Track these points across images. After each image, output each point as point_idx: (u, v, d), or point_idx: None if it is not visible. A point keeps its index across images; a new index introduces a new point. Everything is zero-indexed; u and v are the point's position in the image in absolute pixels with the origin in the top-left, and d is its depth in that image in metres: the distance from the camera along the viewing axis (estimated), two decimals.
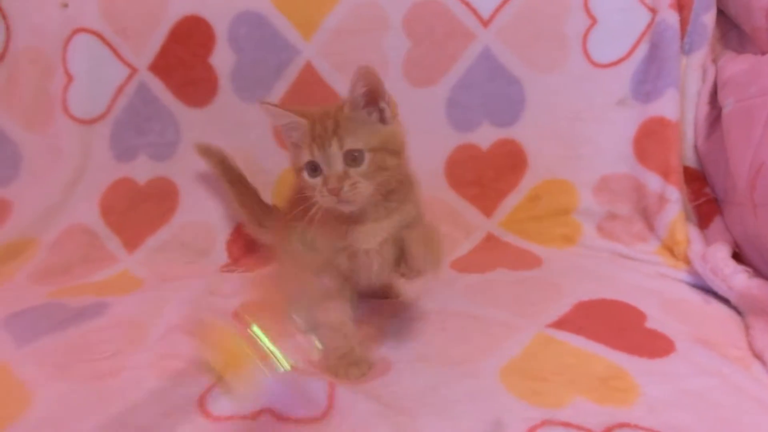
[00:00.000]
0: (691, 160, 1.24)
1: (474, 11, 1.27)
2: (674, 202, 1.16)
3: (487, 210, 1.29)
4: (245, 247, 1.27)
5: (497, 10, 1.27)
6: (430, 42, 1.29)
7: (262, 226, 1.18)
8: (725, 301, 0.98)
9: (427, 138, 1.30)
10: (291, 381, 0.80)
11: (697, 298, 1.01)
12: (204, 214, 1.30)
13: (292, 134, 0.81)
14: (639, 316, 0.93)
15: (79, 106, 1.31)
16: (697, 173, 1.23)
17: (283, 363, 0.73)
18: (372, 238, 0.82)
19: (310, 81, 1.30)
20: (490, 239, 1.25)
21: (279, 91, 1.30)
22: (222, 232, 1.29)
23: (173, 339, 0.91)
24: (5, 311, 1.02)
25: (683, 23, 1.23)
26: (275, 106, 0.82)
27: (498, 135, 1.30)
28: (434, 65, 1.30)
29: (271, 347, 0.74)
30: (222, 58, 1.30)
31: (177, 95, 1.31)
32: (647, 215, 1.20)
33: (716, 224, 1.16)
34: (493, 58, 1.29)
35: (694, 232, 1.14)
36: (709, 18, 1.23)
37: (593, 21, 1.26)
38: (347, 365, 0.82)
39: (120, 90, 1.32)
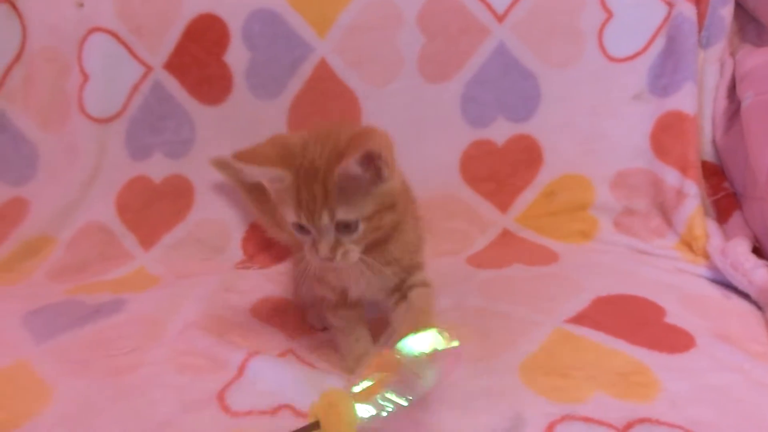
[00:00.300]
0: (709, 155, 1.23)
1: (488, 6, 1.27)
2: (692, 196, 1.14)
3: (503, 206, 1.28)
4: (260, 244, 1.27)
5: (512, 5, 1.26)
6: (445, 38, 1.28)
7: (282, 229, 1.17)
8: (745, 296, 0.97)
9: (441, 134, 1.30)
10: (311, 378, 0.80)
11: (716, 293, 1.00)
12: (219, 211, 1.30)
13: (274, 185, 0.72)
14: (658, 311, 0.92)
15: (95, 105, 1.32)
16: (715, 168, 1.22)
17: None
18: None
19: (324, 78, 1.30)
20: (505, 235, 1.24)
21: (293, 88, 1.30)
22: (237, 230, 1.29)
23: (190, 335, 0.91)
24: (24, 309, 1.03)
25: (700, 16, 1.22)
26: (248, 164, 0.69)
27: (513, 130, 1.29)
28: (449, 61, 1.29)
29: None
30: (236, 56, 1.30)
31: (192, 93, 1.32)
32: (665, 210, 1.18)
33: (735, 219, 1.14)
34: (507, 53, 1.28)
35: (712, 226, 1.13)
36: (726, 11, 1.22)
37: (609, 15, 1.25)
38: (363, 365, 0.82)
39: (135, 88, 1.32)
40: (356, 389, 0.63)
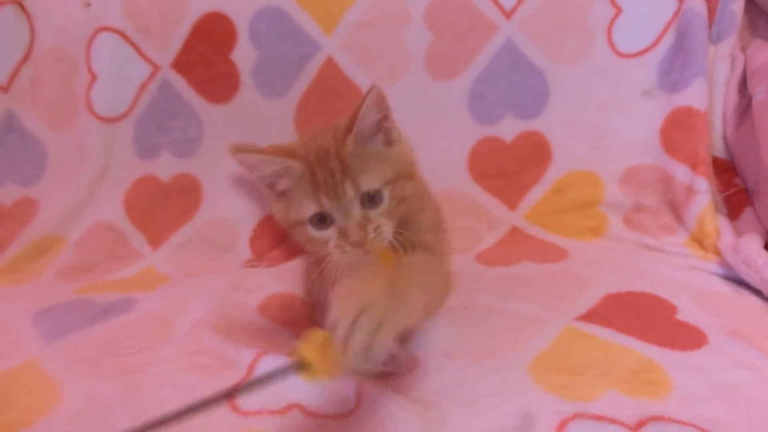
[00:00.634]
0: (720, 151, 1.22)
1: (496, 2, 1.26)
2: (703, 193, 1.13)
3: (511, 203, 1.28)
4: (268, 243, 1.27)
5: (520, 1, 1.25)
6: (452, 34, 1.28)
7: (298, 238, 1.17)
8: (757, 292, 0.96)
9: (449, 131, 1.29)
10: None
11: (728, 289, 0.99)
12: (227, 210, 1.30)
13: (280, 182, 0.70)
14: (669, 308, 0.91)
15: (103, 105, 1.32)
16: (726, 164, 1.21)
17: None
18: None
19: (331, 75, 1.30)
20: (514, 232, 1.24)
21: (301, 86, 1.30)
22: (245, 228, 1.29)
23: (200, 334, 0.91)
24: (34, 308, 1.03)
25: (711, 11, 1.20)
26: (253, 152, 0.69)
27: (522, 127, 1.29)
28: (456, 58, 1.29)
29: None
30: (243, 54, 1.30)
31: (199, 92, 1.32)
32: (675, 207, 1.17)
33: (747, 215, 1.13)
34: (516, 49, 1.27)
35: (724, 223, 1.12)
36: (737, 6, 1.21)
37: (618, 10, 1.24)
38: None
39: (143, 88, 1.32)
40: None
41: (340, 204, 0.66)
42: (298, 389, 0.77)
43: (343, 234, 0.66)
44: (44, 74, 1.34)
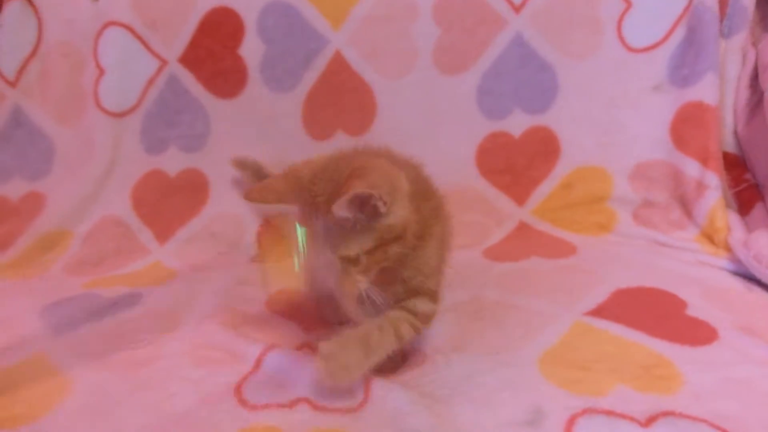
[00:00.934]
0: (730, 146, 1.21)
1: None
2: (713, 188, 1.12)
3: (519, 198, 1.27)
4: (275, 238, 1.27)
5: None
6: (461, 29, 1.27)
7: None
8: None
9: (457, 126, 1.29)
10: None
11: (739, 285, 0.98)
12: (234, 205, 1.30)
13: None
14: (679, 303, 0.90)
15: (111, 99, 1.32)
16: (737, 159, 1.20)
17: None
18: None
19: (339, 70, 1.30)
20: (522, 228, 1.23)
21: (308, 80, 1.30)
22: (252, 224, 1.29)
23: (207, 329, 0.91)
24: (41, 302, 1.03)
25: (722, 6, 1.19)
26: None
27: (530, 122, 1.28)
28: (465, 52, 1.28)
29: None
30: (251, 49, 1.30)
31: (207, 87, 1.32)
32: (685, 202, 1.16)
33: (758, 210, 1.12)
34: (525, 44, 1.26)
35: (734, 218, 1.11)
36: (748, 0, 1.20)
37: (628, 5, 1.23)
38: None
39: (150, 82, 1.32)
40: None
41: (321, 259, 0.70)
42: (306, 383, 0.77)
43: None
44: (52, 69, 1.34)
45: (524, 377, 0.76)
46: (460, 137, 1.29)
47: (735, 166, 1.19)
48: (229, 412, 0.72)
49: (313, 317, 0.96)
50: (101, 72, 1.32)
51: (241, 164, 1.25)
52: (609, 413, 0.68)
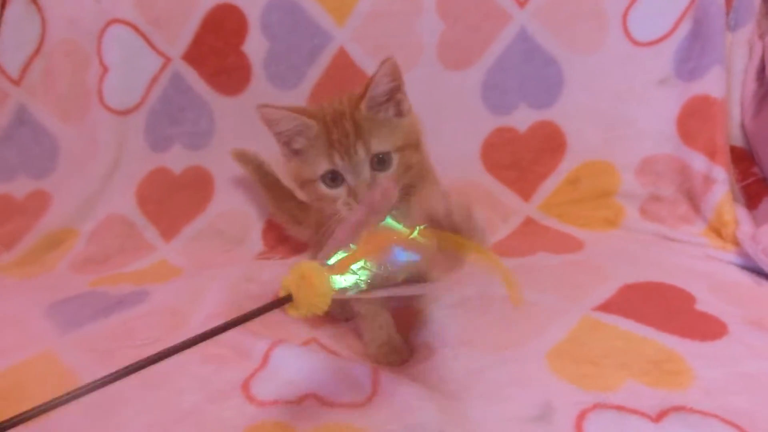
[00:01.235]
0: (737, 139, 1.20)
1: None
2: (721, 182, 1.12)
3: (526, 194, 1.26)
4: (280, 236, 1.26)
5: None
6: (465, 24, 1.27)
7: (299, 224, 1.17)
8: None
9: (462, 121, 1.28)
10: (335, 366, 0.79)
11: (747, 279, 0.97)
12: (239, 202, 1.30)
13: (296, 140, 0.73)
14: (688, 298, 0.90)
15: (115, 97, 1.32)
16: (744, 153, 1.19)
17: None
18: None
19: (343, 66, 1.29)
20: (528, 223, 1.23)
21: (312, 77, 1.30)
22: (257, 221, 1.29)
23: (214, 326, 0.91)
24: (48, 300, 1.03)
25: None
26: (276, 108, 0.72)
27: (535, 117, 1.27)
28: (469, 47, 1.28)
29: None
30: (255, 46, 1.30)
31: (210, 84, 1.31)
32: (692, 196, 1.16)
33: (765, 204, 1.12)
34: (529, 39, 1.26)
35: (742, 212, 1.10)
36: None
37: None
38: (387, 353, 0.82)
39: (154, 80, 1.32)
40: (330, 261, 0.56)
41: (352, 163, 0.70)
42: (314, 378, 0.76)
43: (352, 192, 0.70)
44: (56, 67, 1.34)
45: (533, 372, 0.75)
46: (465, 133, 1.28)
47: (742, 159, 1.18)
48: (237, 408, 0.72)
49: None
50: (105, 70, 1.32)
51: (242, 157, 1.24)
52: (620, 408, 0.67)
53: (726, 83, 1.18)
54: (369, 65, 1.29)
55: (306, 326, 0.92)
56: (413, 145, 0.74)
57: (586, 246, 1.11)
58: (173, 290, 1.06)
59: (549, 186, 1.26)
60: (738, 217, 1.08)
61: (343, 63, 1.29)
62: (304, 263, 0.54)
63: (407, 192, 0.74)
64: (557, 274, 1.01)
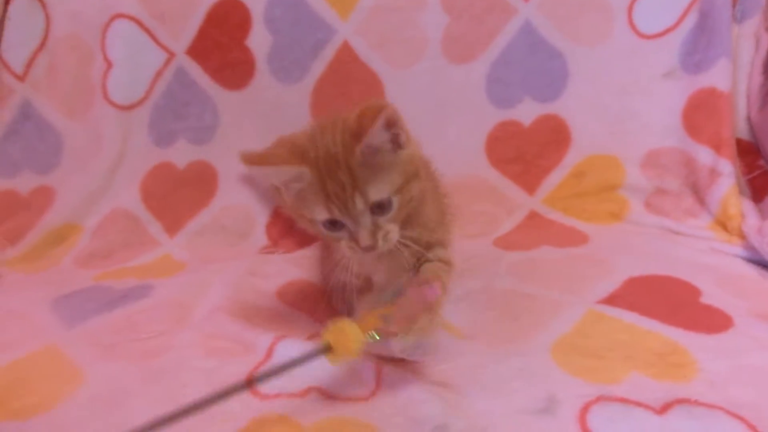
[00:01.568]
0: (743, 132, 1.19)
1: None
2: (727, 175, 1.11)
3: (530, 187, 1.26)
4: (284, 230, 1.27)
5: None
6: (469, 17, 1.26)
7: (309, 229, 1.16)
8: None
9: (466, 115, 1.28)
10: None
11: (753, 272, 0.97)
12: (243, 197, 1.30)
13: (292, 186, 0.70)
14: (693, 291, 0.89)
15: (119, 92, 1.32)
16: (750, 146, 1.18)
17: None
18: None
19: (347, 60, 1.29)
20: (533, 217, 1.22)
21: (316, 71, 1.29)
22: (261, 215, 1.29)
23: (218, 319, 0.91)
24: (53, 294, 1.03)
25: None
26: (261, 166, 0.69)
27: (540, 111, 1.27)
28: (473, 41, 1.27)
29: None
30: (258, 40, 1.30)
31: (214, 78, 1.31)
32: (698, 190, 1.15)
33: None
34: (534, 32, 1.25)
35: (748, 205, 1.10)
36: None
37: None
38: None
39: (158, 75, 1.32)
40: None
41: (351, 215, 0.67)
42: (318, 372, 0.76)
43: (353, 238, 0.69)
44: (60, 62, 1.34)
45: (537, 365, 0.75)
46: (469, 126, 1.28)
47: (748, 152, 1.17)
48: (241, 401, 0.72)
49: (323, 307, 0.96)
50: (109, 65, 1.32)
51: (249, 161, 1.24)
52: (623, 401, 0.67)
53: (732, 76, 1.17)
54: (373, 59, 1.28)
55: (310, 321, 0.92)
56: (412, 176, 0.71)
57: (590, 239, 1.11)
58: (177, 284, 1.06)
59: (553, 179, 1.25)
60: (744, 210, 1.08)
61: (347, 57, 1.29)
62: (340, 320, 0.65)
63: (407, 221, 0.73)
64: (561, 267, 1.01)
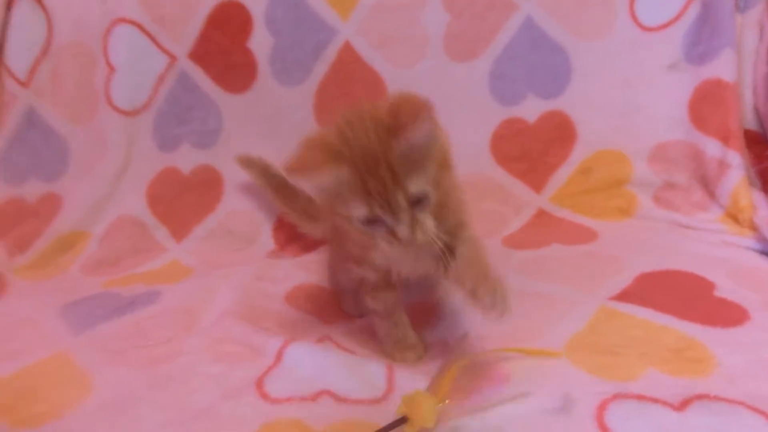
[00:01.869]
0: (751, 123, 1.17)
1: None
2: (736, 167, 1.10)
3: (537, 185, 1.25)
4: (291, 234, 1.25)
5: None
6: (471, 14, 1.25)
7: (314, 221, 1.15)
8: None
9: (470, 113, 1.27)
10: (349, 363, 0.78)
11: (766, 265, 0.96)
12: (249, 201, 1.29)
13: (329, 188, 0.67)
14: (707, 285, 0.88)
15: (122, 98, 1.31)
16: (758, 136, 1.17)
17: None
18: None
19: (349, 61, 1.28)
20: (541, 215, 1.21)
21: (318, 72, 1.28)
22: (268, 219, 1.28)
23: (226, 324, 0.91)
24: (61, 301, 1.03)
25: None
26: (303, 171, 0.65)
27: (545, 107, 1.26)
28: (475, 38, 1.26)
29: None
30: (260, 42, 1.29)
31: (217, 82, 1.30)
32: (707, 182, 1.14)
33: None
34: (536, 27, 1.24)
35: (758, 197, 1.08)
36: None
37: None
38: (402, 350, 0.81)
39: (161, 79, 1.31)
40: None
41: (393, 212, 0.66)
42: (329, 375, 0.76)
43: (392, 232, 0.67)
44: (63, 68, 1.33)
45: (552, 364, 0.74)
46: (473, 125, 1.27)
47: (756, 143, 1.16)
48: (252, 405, 0.72)
49: (333, 310, 0.95)
50: (112, 70, 1.31)
51: (247, 163, 1.23)
52: (641, 398, 0.66)
53: (737, 66, 1.16)
54: (375, 59, 1.27)
55: (319, 324, 0.92)
56: (445, 166, 0.71)
57: (600, 236, 1.10)
58: (184, 290, 1.06)
59: (560, 177, 1.24)
60: (754, 201, 1.07)
61: (348, 57, 1.28)
62: (415, 392, 0.67)
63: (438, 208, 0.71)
64: (572, 265, 1.00)
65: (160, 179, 1.31)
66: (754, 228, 1.03)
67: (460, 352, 0.76)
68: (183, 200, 1.30)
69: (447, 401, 0.67)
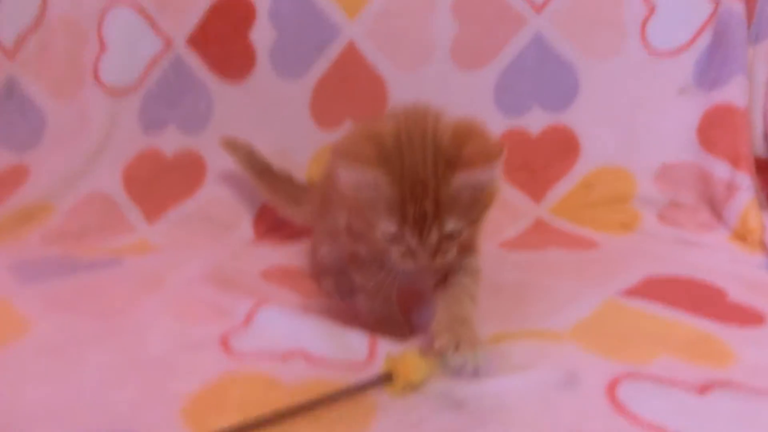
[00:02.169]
0: (760, 150, 1.14)
1: None
2: (745, 189, 1.06)
3: (536, 195, 1.20)
4: (272, 224, 1.18)
5: None
6: (479, 25, 1.23)
7: (298, 205, 1.09)
8: None
9: None
10: (328, 328, 0.70)
11: None
12: (231, 190, 1.22)
13: (364, 192, 0.62)
14: (719, 291, 0.82)
15: (111, 76, 1.25)
16: (767, 164, 1.14)
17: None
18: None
19: (351, 61, 1.24)
20: (539, 224, 1.15)
21: (318, 69, 1.24)
22: (249, 209, 1.20)
23: (193, 287, 0.81)
24: (12, 259, 0.93)
25: (749, 12, 1.16)
26: (353, 162, 0.60)
27: (549, 120, 1.22)
28: (483, 48, 1.23)
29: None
30: (262, 34, 1.24)
31: (213, 69, 1.25)
32: (714, 204, 1.10)
33: None
34: (545, 43, 1.22)
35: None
36: None
37: (651, 10, 1.20)
38: (386, 326, 0.73)
39: (154, 61, 1.26)
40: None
41: (422, 241, 0.61)
42: (303, 336, 0.67)
43: (412, 253, 0.62)
44: (53, 43, 1.27)
45: (557, 345, 0.66)
46: None
47: (766, 170, 1.12)
48: (212, 357, 0.62)
49: (312, 287, 0.87)
50: (103, 47, 1.25)
51: (231, 145, 1.17)
52: (657, 378, 0.58)
53: (748, 93, 1.14)
54: (378, 60, 1.24)
55: (297, 297, 0.83)
56: (489, 205, 0.67)
57: (600, 246, 1.03)
58: (152, 259, 0.97)
59: (561, 189, 1.19)
60: (765, 223, 1.02)
61: (351, 58, 1.24)
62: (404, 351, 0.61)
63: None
64: (573, 266, 0.93)
65: (140, 159, 1.23)
66: (763, 248, 0.98)
67: None
68: (161, 182, 1.21)
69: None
